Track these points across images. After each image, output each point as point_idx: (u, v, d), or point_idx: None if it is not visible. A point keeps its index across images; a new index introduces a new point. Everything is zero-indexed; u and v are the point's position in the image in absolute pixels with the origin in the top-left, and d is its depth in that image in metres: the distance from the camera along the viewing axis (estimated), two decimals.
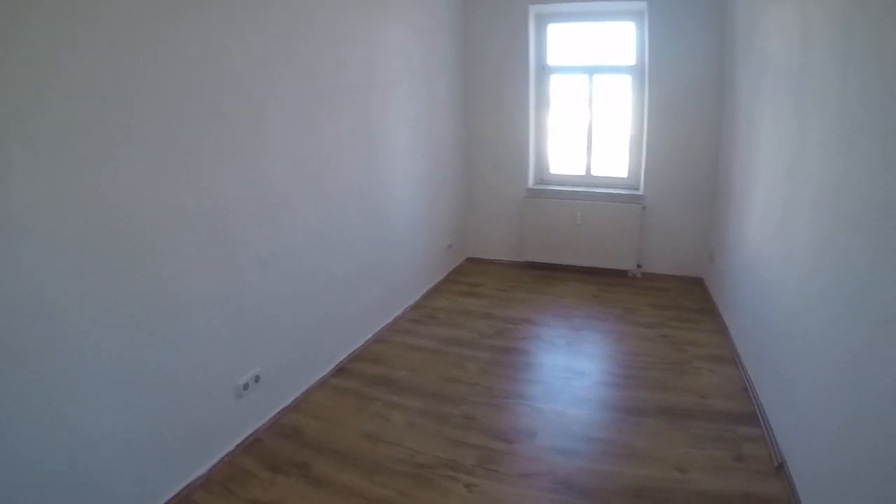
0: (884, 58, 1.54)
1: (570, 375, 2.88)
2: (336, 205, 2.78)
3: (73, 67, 1.46)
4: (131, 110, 1.63)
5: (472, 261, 4.99)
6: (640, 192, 4.33)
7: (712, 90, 3.97)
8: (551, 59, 4.56)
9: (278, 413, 2.47)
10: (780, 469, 2.09)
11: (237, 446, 2.22)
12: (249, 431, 2.30)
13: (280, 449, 2.28)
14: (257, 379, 2.28)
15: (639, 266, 4.42)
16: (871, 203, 1.58)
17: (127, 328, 1.68)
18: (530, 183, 4.68)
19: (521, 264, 4.81)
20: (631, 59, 4.31)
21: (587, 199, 4.41)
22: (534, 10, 4.31)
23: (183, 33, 1.79)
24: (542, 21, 4.45)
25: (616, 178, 4.61)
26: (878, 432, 1.49)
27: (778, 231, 2.52)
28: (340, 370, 2.92)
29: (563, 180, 4.77)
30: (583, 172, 4.67)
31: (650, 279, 4.41)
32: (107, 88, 1.55)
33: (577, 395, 2.69)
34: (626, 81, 4.38)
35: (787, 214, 2.42)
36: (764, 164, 2.81)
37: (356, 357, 3.07)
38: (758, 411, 2.49)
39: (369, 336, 3.27)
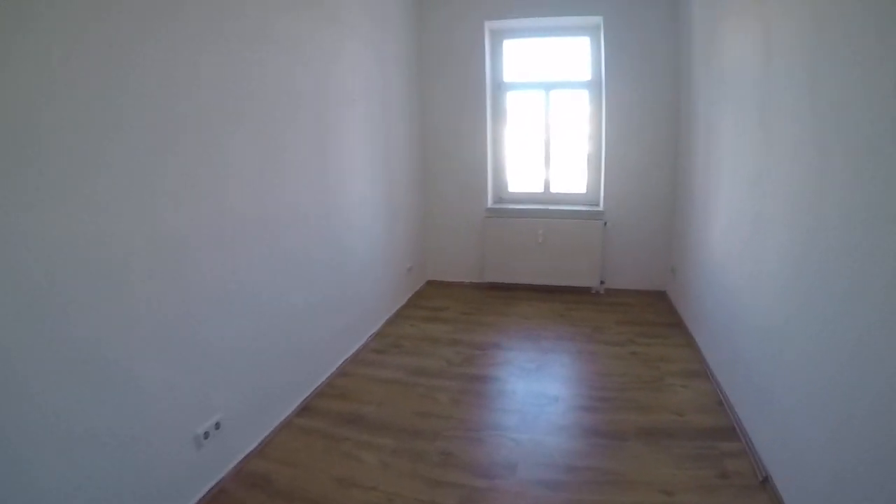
0: (856, 73, 1.57)
1: (544, 401, 2.79)
2: (295, 232, 2.61)
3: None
4: (63, 138, 1.44)
5: (432, 283, 4.88)
6: (601, 208, 4.35)
7: (669, 103, 4.06)
8: (507, 76, 4.55)
9: (243, 460, 2.25)
10: (766, 483, 2.08)
11: (200, 500, 2.00)
12: (212, 483, 2.07)
13: (247, 500, 2.07)
14: (218, 425, 2.07)
15: (602, 282, 4.43)
16: (851, 210, 1.59)
17: (70, 383, 1.46)
18: (489, 202, 4.63)
19: (483, 285, 4.74)
20: (586, 74, 4.36)
21: (548, 216, 4.40)
22: (489, 25, 4.30)
23: (137, 57, 1.63)
24: (498, 37, 4.45)
25: (575, 194, 4.63)
26: (870, 440, 1.47)
27: (746, 242, 2.53)
28: (305, 408, 2.73)
29: (521, 198, 4.74)
30: (541, 190, 4.66)
31: (614, 295, 4.42)
32: (42, 118, 1.38)
33: (554, 423, 2.60)
34: (583, 96, 4.43)
35: (755, 225, 2.43)
36: (726, 176, 2.84)
37: (320, 393, 2.88)
38: (736, 425, 2.48)
39: (333, 370, 3.09)
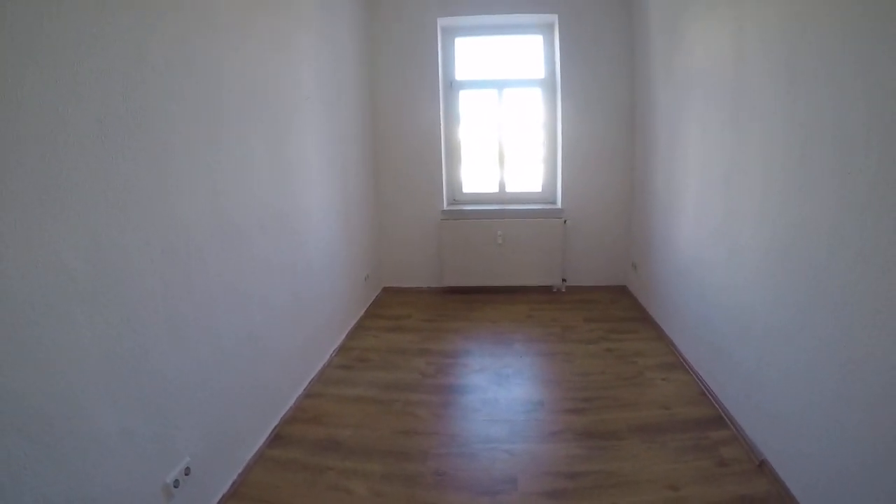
0: (835, 76, 1.66)
1: (530, 407, 2.69)
2: (252, 246, 2.33)
3: None
4: None
5: (389, 291, 4.67)
6: (559, 206, 4.34)
7: (625, 100, 4.11)
8: (460, 74, 4.44)
9: None
10: (763, 466, 2.12)
11: None
12: None
13: None
14: (188, 471, 1.78)
15: (564, 280, 4.41)
16: (830, 205, 1.69)
17: (9, 445, 1.16)
18: (444, 204, 4.50)
19: (442, 290, 4.59)
20: (540, 72, 4.34)
21: (507, 216, 4.33)
22: (441, 22, 4.17)
23: (69, 40, 1.33)
24: (450, 34, 4.33)
25: (530, 192, 4.60)
26: (867, 416, 1.53)
27: (719, 237, 2.58)
28: (276, 438, 2.46)
29: (477, 199, 4.64)
30: (496, 189, 4.58)
31: (575, 292, 4.41)
32: None
33: (544, 429, 2.50)
34: (536, 95, 4.39)
35: (727, 220, 2.49)
36: (694, 173, 2.88)
37: (290, 419, 2.62)
38: (722, 413, 2.51)
39: (299, 392, 2.82)
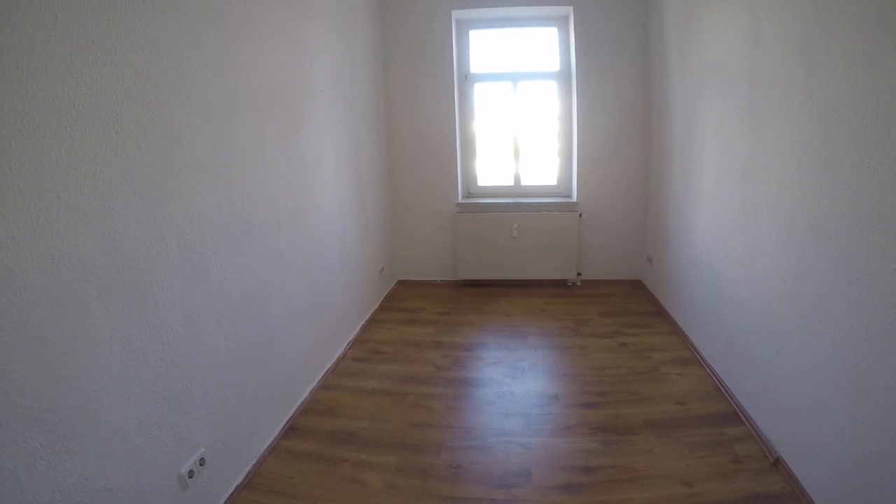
0: (853, 67, 1.62)
1: (545, 401, 2.68)
2: (267, 240, 2.35)
3: None
4: None
5: (403, 284, 4.69)
6: (575, 200, 4.31)
7: (641, 93, 4.06)
8: (474, 67, 4.42)
9: (232, 495, 2.00)
10: (778, 464, 2.10)
11: None
12: None
13: None
14: (202, 462, 1.81)
15: (578, 274, 4.39)
16: (845, 193, 1.67)
17: (25, 438, 1.19)
18: (459, 197, 4.49)
19: (456, 283, 4.59)
20: (555, 65, 4.30)
21: (523, 210, 4.31)
22: (455, 15, 4.15)
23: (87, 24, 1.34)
24: (464, 27, 4.31)
25: (546, 186, 4.57)
26: (888, 417, 1.49)
27: (736, 230, 2.54)
28: (291, 429, 2.49)
29: (491, 192, 4.63)
30: (511, 183, 4.57)
31: (591, 286, 4.39)
32: None
33: (559, 423, 2.50)
34: (551, 88, 4.36)
35: (744, 212, 2.45)
36: (711, 165, 2.84)
37: (305, 410, 2.65)
38: (737, 410, 2.49)
39: (314, 384, 2.85)
